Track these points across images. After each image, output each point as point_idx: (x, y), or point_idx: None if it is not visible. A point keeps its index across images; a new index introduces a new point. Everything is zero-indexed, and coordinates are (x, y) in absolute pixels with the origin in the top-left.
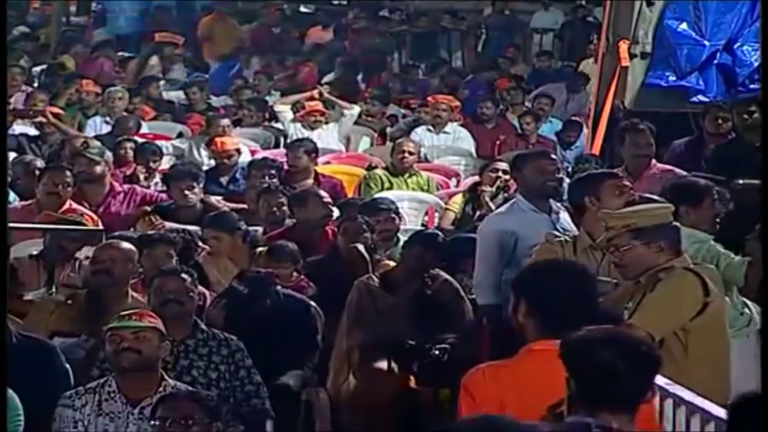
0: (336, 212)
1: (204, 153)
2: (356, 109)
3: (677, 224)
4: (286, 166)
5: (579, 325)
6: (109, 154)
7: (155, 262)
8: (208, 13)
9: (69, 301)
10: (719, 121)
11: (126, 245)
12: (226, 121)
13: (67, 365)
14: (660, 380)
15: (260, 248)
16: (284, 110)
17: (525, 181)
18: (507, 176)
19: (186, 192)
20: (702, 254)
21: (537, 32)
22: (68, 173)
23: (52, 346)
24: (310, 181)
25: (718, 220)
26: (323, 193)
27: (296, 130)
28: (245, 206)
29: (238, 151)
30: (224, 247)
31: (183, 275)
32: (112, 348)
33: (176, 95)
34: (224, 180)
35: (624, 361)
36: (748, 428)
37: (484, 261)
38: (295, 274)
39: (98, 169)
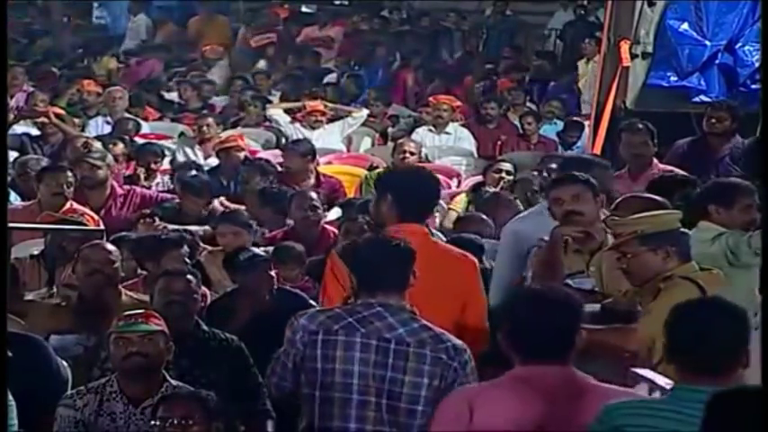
0: (335, 213)
1: (199, 153)
2: (365, 111)
3: (685, 230)
4: (281, 168)
5: (430, 211)
6: (110, 156)
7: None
8: (194, 13)
9: (63, 303)
10: (713, 120)
11: (111, 246)
12: (209, 120)
13: (59, 358)
14: (647, 373)
15: (264, 249)
16: (276, 113)
17: None
18: (511, 177)
19: (200, 209)
20: (722, 244)
21: (553, 32)
22: (70, 173)
23: (39, 341)
24: (310, 182)
25: (752, 227)
26: (312, 194)
27: (295, 131)
28: (242, 207)
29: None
30: (239, 243)
31: (189, 276)
32: (119, 352)
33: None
34: (225, 180)
35: (386, 258)
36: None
37: (497, 263)
38: (300, 275)
39: (100, 174)
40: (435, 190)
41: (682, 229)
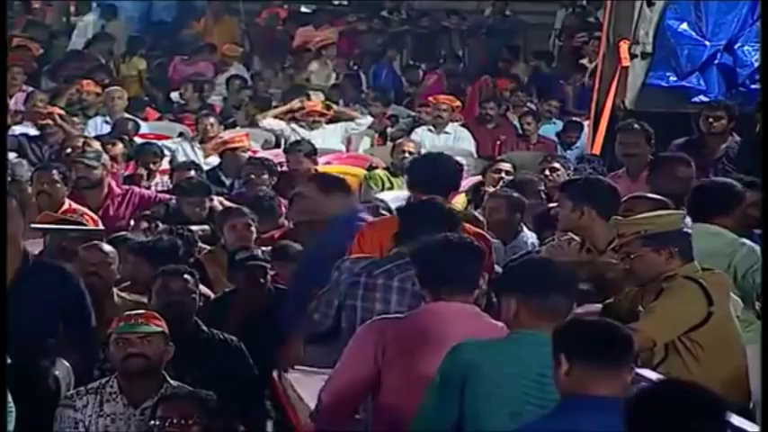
0: None
1: (200, 153)
2: (368, 119)
3: (688, 230)
4: (287, 169)
5: (449, 188)
6: (105, 156)
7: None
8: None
9: None
10: (711, 120)
11: (108, 247)
12: (211, 120)
13: (83, 288)
14: (648, 373)
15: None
16: (268, 122)
17: None
18: (510, 177)
19: (197, 209)
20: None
21: (552, 32)
22: (55, 171)
23: (69, 272)
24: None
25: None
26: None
27: (293, 133)
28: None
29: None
30: (249, 238)
31: (186, 276)
32: (119, 353)
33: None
34: (227, 180)
35: (425, 212)
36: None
37: None
38: None
39: (96, 174)
40: (452, 169)
41: (685, 230)
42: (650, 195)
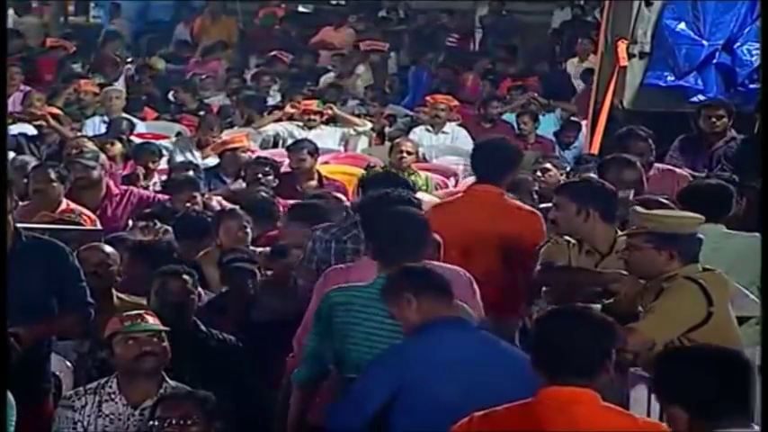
0: None
1: (197, 153)
2: (368, 126)
3: (701, 236)
4: (288, 168)
5: (504, 173)
6: (103, 156)
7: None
8: (200, 13)
9: None
10: (713, 119)
11: (109, 248)
12: (213, 122)
13: (77, 264)
14: (647, 374)
15: (260, 249)
16: (265, 130)
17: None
18: None
19: (188, 203)
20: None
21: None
22: (51, 171)
23: (62, 248)
24: (314, 182)
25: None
26: (342, 196)
27: (289, 136)
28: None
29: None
30: (244, 240)
31: (185, 276)
32: (130, 353)
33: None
34: (228, 180)
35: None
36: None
37: None
38: None
39: (94, 174)
40: (509, 155)
41: (698, 235)
42: (661, 199)
